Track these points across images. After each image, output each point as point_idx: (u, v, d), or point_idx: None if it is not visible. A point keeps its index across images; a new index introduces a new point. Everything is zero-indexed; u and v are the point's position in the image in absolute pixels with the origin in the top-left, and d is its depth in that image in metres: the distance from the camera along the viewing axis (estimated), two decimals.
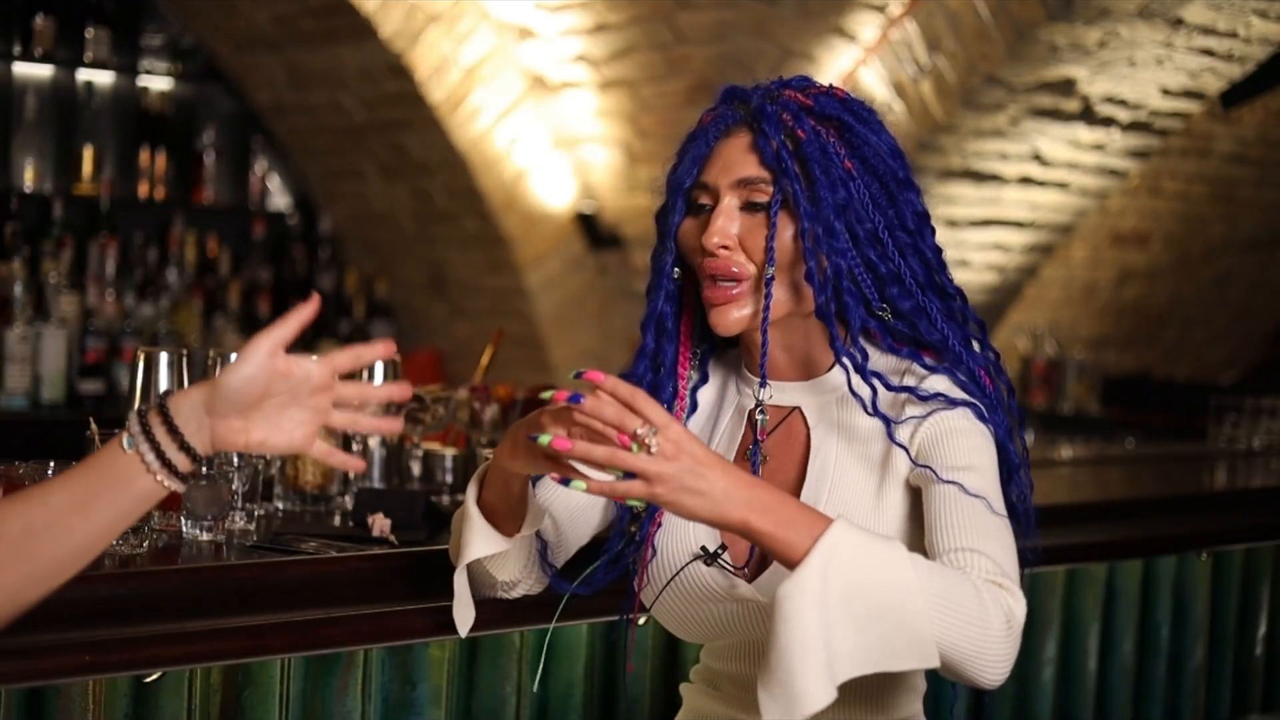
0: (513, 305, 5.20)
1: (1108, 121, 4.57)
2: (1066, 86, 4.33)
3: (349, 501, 2.30)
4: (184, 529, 1.97)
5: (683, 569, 1.70)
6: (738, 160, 1.68)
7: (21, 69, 4.92)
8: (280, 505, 2.29)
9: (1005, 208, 4.81)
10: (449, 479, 2.52)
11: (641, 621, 2.15)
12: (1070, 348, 6.08)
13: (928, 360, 1.70)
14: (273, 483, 2.28)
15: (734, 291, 1.67)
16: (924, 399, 1.67)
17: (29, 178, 4.92)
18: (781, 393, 1.74)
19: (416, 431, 2.44)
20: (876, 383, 1.67)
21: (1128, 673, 2.81)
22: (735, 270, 1.67)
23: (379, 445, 2.44)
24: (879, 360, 1.71)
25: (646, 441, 1.43)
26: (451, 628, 1.90)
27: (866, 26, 4.34)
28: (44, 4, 4.86)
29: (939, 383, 1.68)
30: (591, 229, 5.06)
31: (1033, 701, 2.68)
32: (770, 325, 1.69)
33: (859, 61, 4.40)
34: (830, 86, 1.73)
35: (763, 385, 1.71)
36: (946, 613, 1.45)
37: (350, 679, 1.92)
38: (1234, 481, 3.55)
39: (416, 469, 2.50)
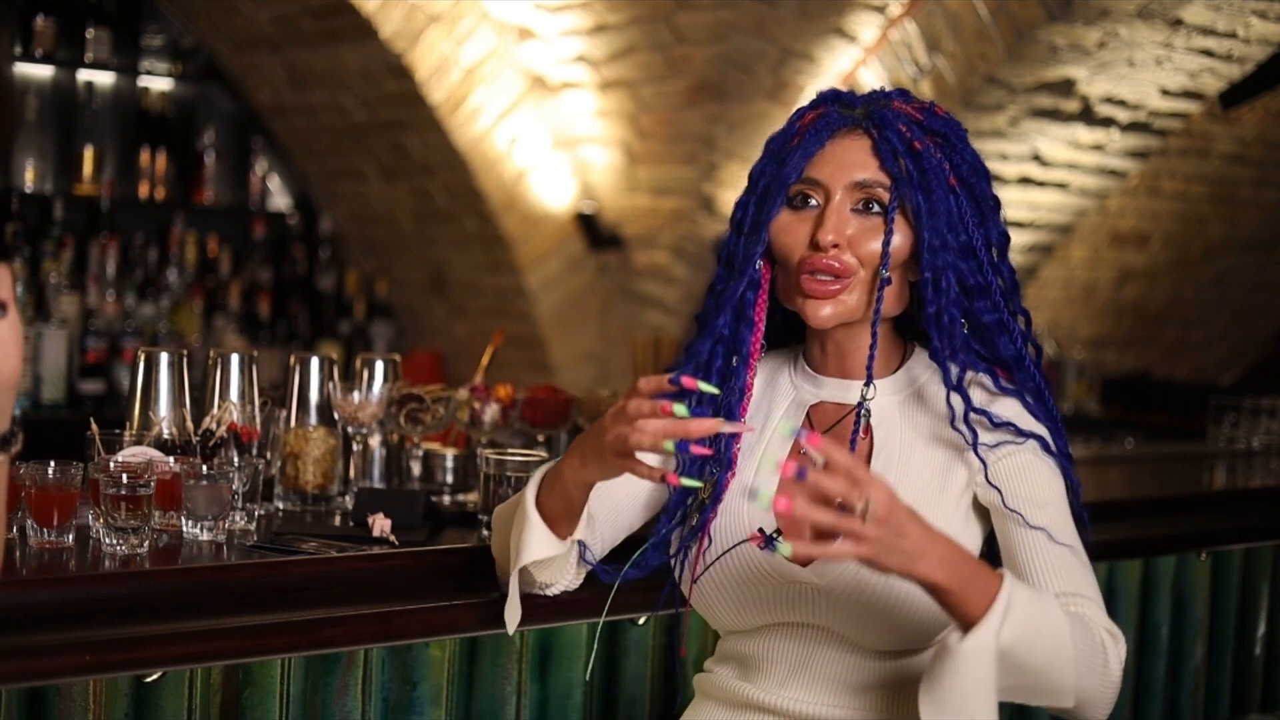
0: (513, 305, 5.20)
1: (1107, 122, 4.57)
2: (1066, 87, 4.33)
3: (349, 501, 2.30)
4: (184, 529, 1.97)
5: (737, 545, 1.72)
6: (856, 161, 1.72)
7: (22, 69, 4.92)
8: (280, 505, 2.29)
9: (1005, 208, 4.80)
10: (449, 479, 2.52)
11: (641, 621, 2.15)
12: (1070, 348, 6.09)
13: (1001, 379, 1.74)
14: (273, 483, 2.28)
15: (833, 287, 1.71)
16: (996, 425, 1.71)
17: (29, 178, 4.92)
18: (845, 391, 1.78)
19: (416, 431, 2.44)
20: (959, 399, 1.71)
21: (1127, 672, 2.79)
22: (838, 268, 1.70)
23: (379, 445, 2.44)
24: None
25: (861, 510, 1.46)
26: (451, 628, 1.91)
27: (866, 27, 4.35)
28: (44, 4, 4.86)
29: (1009, 407, 1.72)
30: (591, 229, 5.06)
31: None
32: (853, 325, 1.74)
33: (859, 62, 4.41)
34: (931, 103, 1.79)
35: (868, 384, 1.75)
36: (1084, 664, 1.56)
37: (350, 679, 1.92)
38: (1233, 481, 3.54)
39: (416, 469, 2.51)
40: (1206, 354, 7.00)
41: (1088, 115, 4.50)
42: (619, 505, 1.82)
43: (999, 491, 1.69)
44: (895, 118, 1.72)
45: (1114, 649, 1.60)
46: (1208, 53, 4.30)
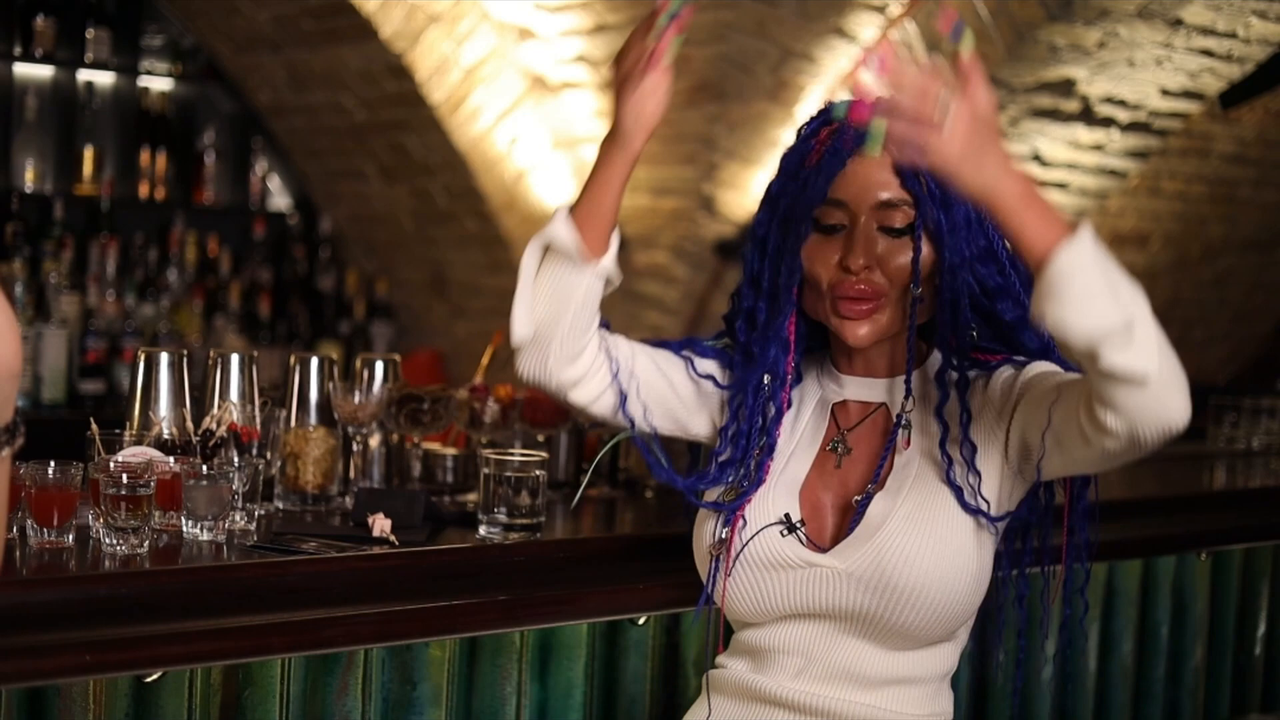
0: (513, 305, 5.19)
1: (1107, 122, 4.57)
2: (1066, 87, 4.33)
3: (349, 501, 2.30)
4: (184, 529, 1.97)
5: (760, 531, 1.76)
6: (878, 181, 1.75)
7: (22, 69, 4.92)
8: (280, 505, 2.29)
9: None
10: (449, 479, 2.52)
11: (641, 621, 2.16)
12: None
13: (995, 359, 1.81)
14: (273, 483, 2.29)
15: (865, 307, 1.76)
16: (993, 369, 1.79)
17: (29, 178, 4.92)
18: (870, 389, 1.84)
19: (416, 431, 2.44)
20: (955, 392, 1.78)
21: (1127, 672, 2.81)
22: (869, 290, 1.75)
23: (379, 445, 2.44)
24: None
25: (940, 113, 1.49)
26: (451, 628, 1.91)
27: (866, 27, 4.35)
28: (44, 4, 4.86)
29: (1002, 370, 1.79)
30: None
31: (1033, 701, 2.68)
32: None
33: (859, 62, 4.40)
34: None
35: (908, 397, 1.79)
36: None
37: (350, 679, 1.92)
38: (1233, 481, 3.54)
39: (416, 469, 2.51)
40: (1206, 354, 7.00)
41: (1088, 115, 4.50)
42: (661, 385, 1.89)
43: (1022, 394, 1.72)
44: None
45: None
46: (1208, 53, 4.30)
